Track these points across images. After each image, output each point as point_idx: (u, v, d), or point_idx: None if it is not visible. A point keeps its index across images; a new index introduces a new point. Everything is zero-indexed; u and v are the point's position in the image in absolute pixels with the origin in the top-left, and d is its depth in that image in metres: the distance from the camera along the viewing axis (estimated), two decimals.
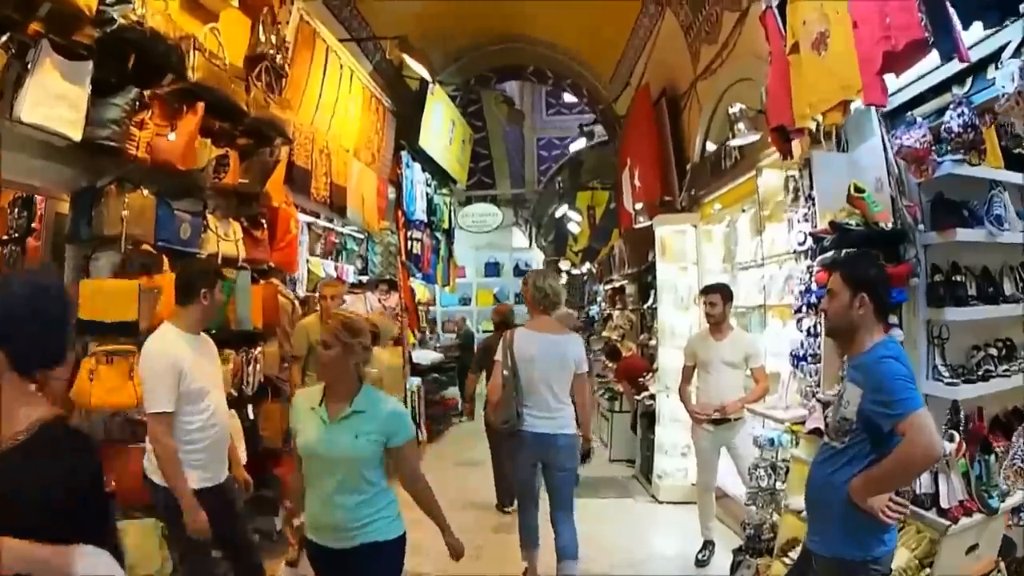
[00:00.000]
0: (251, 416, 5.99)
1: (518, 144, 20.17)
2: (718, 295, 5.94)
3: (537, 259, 21.72)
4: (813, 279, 4.92)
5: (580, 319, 20.60)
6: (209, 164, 5.20)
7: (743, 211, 7.26)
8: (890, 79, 4.01)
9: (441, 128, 11.45)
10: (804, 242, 5.14)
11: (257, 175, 5.91)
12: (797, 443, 4.98)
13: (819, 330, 4.95)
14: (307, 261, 8.09)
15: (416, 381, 10.15)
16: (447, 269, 12.78)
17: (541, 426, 4.94)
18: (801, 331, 5.22)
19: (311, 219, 8.15)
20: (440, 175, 12.31)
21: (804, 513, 3.73)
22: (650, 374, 8.98)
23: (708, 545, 6.17)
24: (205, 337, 4.19)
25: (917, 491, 3.50)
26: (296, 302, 6.69)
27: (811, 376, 5.06)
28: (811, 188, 5.08)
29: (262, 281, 6.15)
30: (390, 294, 9.34)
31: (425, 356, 11.58)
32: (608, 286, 13.15)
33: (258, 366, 5.95)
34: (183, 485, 3.71)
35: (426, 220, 10.94)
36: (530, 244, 20.54)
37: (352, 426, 3.21)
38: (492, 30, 11.67)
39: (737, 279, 7.27)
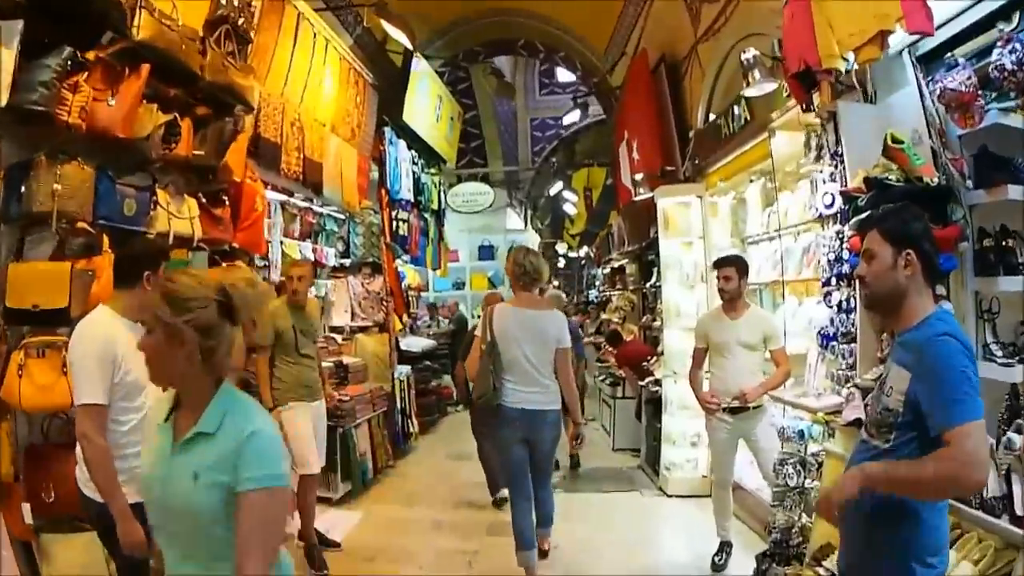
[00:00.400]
0: None
1: (511, 124, 19.57)
2: (732, 268, 5.33)
3: (533, 241, 21.09)
4: (845, 246, 4.40)
5: (578, 303, 20.16)
6: (155, 132, 4.63)
7: (751, 181, 6.79)
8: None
9: (427, 104, 10.87)
10: (832, 204, 4.62)
11: (214, 146, 5.31)
12: (832, 435, 4.42)
13: (852, 304, 4.44)
14: (281, 243, 7.55)
15: (405, 370, 9.60)
16: (437, 252, 12.21)
17: (527, 402, 4.90)
18: (830, 306, 4.70)
19: (284, 197, 7.60)
20: (428, 154, 11.75)
21: None
22: (654, 358, 8.44)
23: (725, 547, 5.61)
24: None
25: (984, 495, 2.92)
26: (265, 286, 6.10)
27: (844, 358, 4.52)
28: (837, 143, 4.58)
29: (224, 264, 5.59)
30: (374, 278, 8.79)
31: (416, 343, 11.02)
32: (607, 267, 12.59)
33: None
34: (116, 492, 3.16)
35: (413, 200, 10.36)
36: (525, 226, 19.93)
37: (193, 458, 2.00)
38: (480, 2, 11.14)
39: (747, 254, 6.72)
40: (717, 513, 5.70)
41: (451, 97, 12.53)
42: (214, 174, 5.50)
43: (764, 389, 5.23)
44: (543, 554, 5.42)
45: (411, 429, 9.46)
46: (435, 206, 12.08)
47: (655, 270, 8.45)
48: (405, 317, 11.23)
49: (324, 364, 7.28)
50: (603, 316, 12.54)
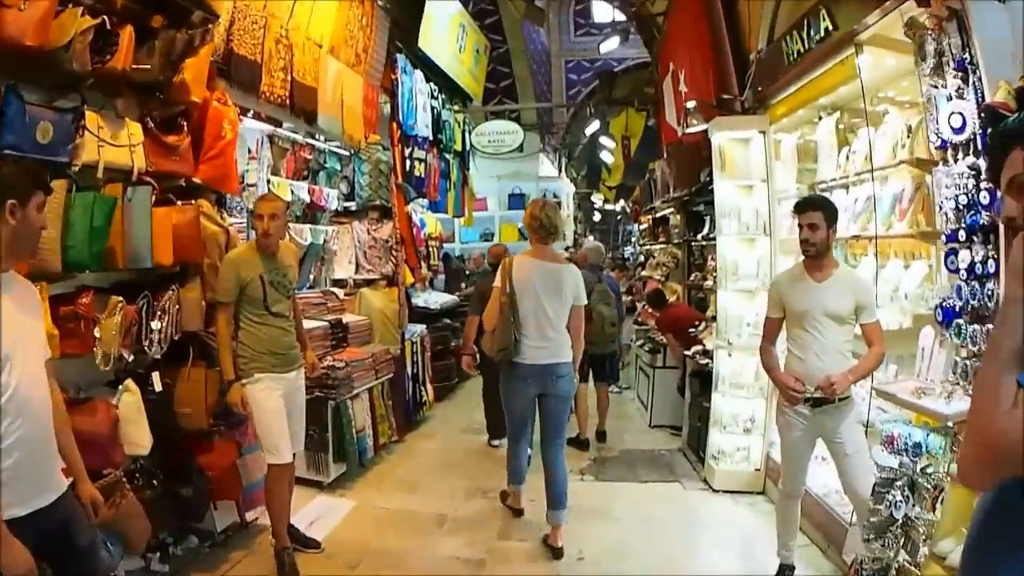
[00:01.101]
0: (158, 388, 4.45)
1: (544, 65, 18.21)
2: (819, 213, 4.06)
3: (567, 190, 19.85)
4: (983, 186, 3.23)
5: (614, 259, 18.86)
6: (77, 41, 3.58)
7: (819, 119, 5.69)
8: None
9: (447, 31, 9.68)
10: (962, 127, 3.38)
11: (163, 60, 4.23)
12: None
13: (991, 268, 3.18)
14: (268, 182, 6.41)
15: (418, 330, 8.49)
16: (460, 198, 10.99)
17: (540, 356, 4.86)
18: (953, 270, 3.51)
19: (271, 128, 6.43)
20: (451, 91, 10.56)
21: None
22: (702, 325, 7.21)
23: (786, 572, 4.50)
24: (17, 278, 2.71)
25: None
26: (233, 231, 4.97)
27: (974, 342, 3.29)
28: (965, 48, 3.45)
29: (179, 203, 4.44)
30: (382, 224, 7.62)
31: (434, 299, 9.89)
32: (647, 218, 11.28)
33: (168, 318, 4.35)
34: None
35: (432, 138, 9.13)
36: (559, 173, 18.63)
37: None
38: None
39: None
40: (780, 529, 4.56)
41: (476, 27, 11.28)
42: (163, 93, 4.44)
43: (856, 376, 4.03)
44: (557, 552, 4.96)
45: (424, 397, 8.38)
46: (458, 147, 10.85)
47: (706, 220, 7.18)
48: (424, 270, 10.11)
49: (318, 324, 6.27)
50: (642, 273, 11.29)
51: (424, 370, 8.50)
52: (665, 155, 9.35)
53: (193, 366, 4.64)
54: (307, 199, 7.07)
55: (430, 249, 10.49)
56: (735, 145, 6.37)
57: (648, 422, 8.58)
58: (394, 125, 8.06)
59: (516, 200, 16.57)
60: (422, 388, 8.36)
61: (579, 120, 18.60)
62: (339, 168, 7.87)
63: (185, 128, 4.60)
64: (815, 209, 4.06)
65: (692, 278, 8.05)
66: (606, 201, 27.96)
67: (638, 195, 25.63)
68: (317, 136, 7.34)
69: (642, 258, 16.08)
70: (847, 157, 5.16)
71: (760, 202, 6.18)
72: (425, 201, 9.58)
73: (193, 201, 4.57)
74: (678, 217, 9.12)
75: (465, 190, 11.42)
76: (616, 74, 16.19)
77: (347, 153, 7.83)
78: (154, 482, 4.37)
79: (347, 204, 7.81)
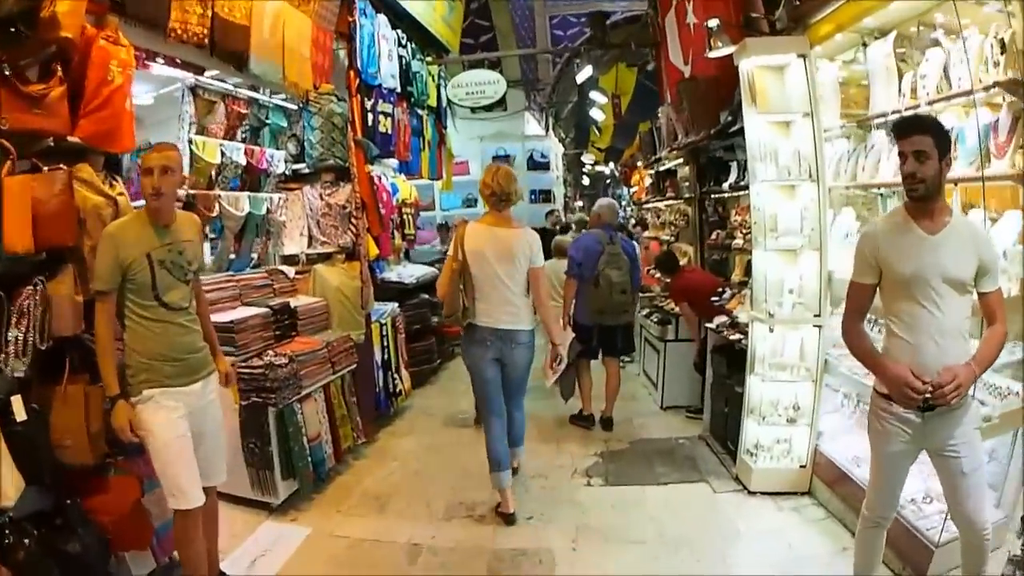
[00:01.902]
0: (20, 416, 3.22)
1: (527, 21, 16.65)
2: (928, 138, 2.79)
3: (555, 150, 18.45)
4: None
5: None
6: None
7: (865, 43, 4.57)
8: None
9: None
10: None
11: None
12: None
13: None
14: (191, 143, 5.10)
15: (388, 309, 7.21)
16: (437, 159, 9.64)
17: (498, 320, 4.77)
18: None
19: (191, 77, 5.13)
20: (424, 41, 9.21)
21: None
22: (727, 292, 5.95)
23: None
24: None
25: None
26: (124, 202, 3.66)
27: None
28: None
29: (45, 169, 3.24)
30: (337, 187, 6.29)
31: (409, 272, 8.57)
32: (644, 172, 9.92)
33: (29, 323, 3.17)
34: None
35: (399, 90, 7.78)
36: (546, 131, 17.19)
37: None
38: None
39: (871, 147, 4.46)
40: (860, 561, 3.39)
41: None
42: (28, 30, 3.20)
43: (982, 367, 2.85)
44: (514, 471, 5.20)
45: (399, 386, 7.12)
46: (433, 103, 9.47)
47: (732, 167, 5.85)
48: (398, 241, 8.80)
49: (255, 311, 4.98)
50: (644, 235, 9.96)
51: (398, 355, 7.21)
52: (669, 99, 8.01)
53: (71, 383, 3.43)
54: (242, 162, 5.74)
55: (404, 217, 9.18)
56: (768, 74, 5.04)
57: (659, 403, 7.39)
58: (351, 73, 6.71)
59: (501, 161, 15.06)
60: (396, 376, 7.11)
61: (567, 77, 17.23)
62: (285, 125, 6.54)
63: (59, 74, 3.37)
64: (923, 132, 2.80)
65: (714, 237, 6.70)
66: (596, 163, 26.57)
67: (628, 157, 24.44)
68: (262, 90, 6.03)
69: (633, 221, 14.83)
70: (912, 85, 3.98)
71: (802, 141, 4.88)
72: (395, 163, 8.25)
73: (63, 166, 3.30)
74: (688, 168, 7.80)
75: (442, 151, 10.06)
76: (607, 17, 14.78)
77: (296, 108, 6.48)
78: (27, 540, 3.20)
79: (297, 167, 6.46)
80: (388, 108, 7.37)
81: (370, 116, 6.85)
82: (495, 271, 4.73)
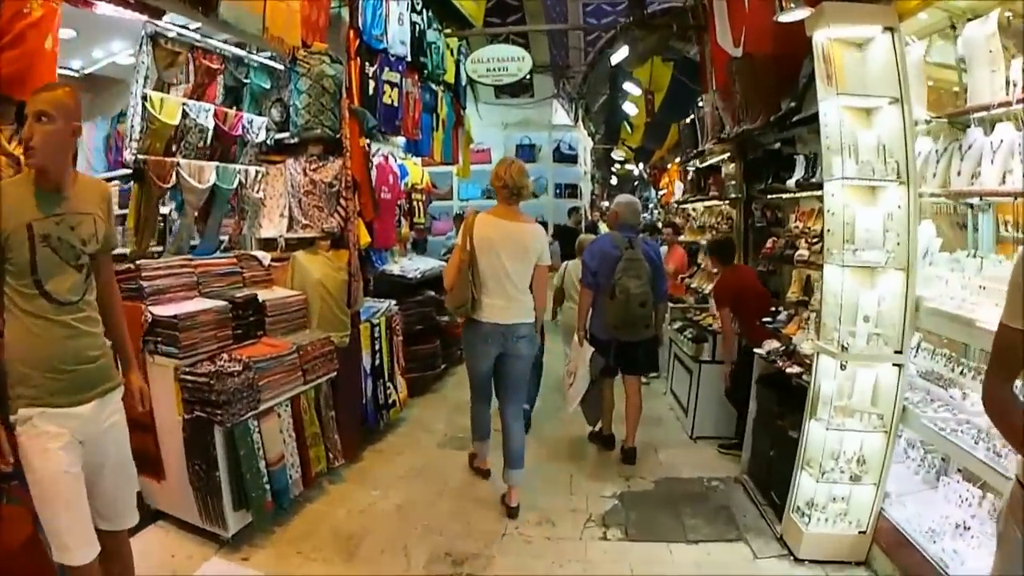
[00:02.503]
0: None
1: (560, 3, 15.66)
2: None
3: (584, 143, 17.45)
4: None
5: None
6: None
7: (954, 25, 3.83)
8: None
9: None
10: None
11: None
12: None
13: None
14: (145, 99, 4.27)
15: (383, 307, 6.31)
16: (452, 142, 8.74)
17: (500, 315, 4.72)
18: None
19: (152, 24, 4.31)
20: (444, 14, 8.38)
21: None
22: (784, 314, 5.02)
23: None
24: None
25: None
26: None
27: None
28: None
29: None
30: (325, 161, 5.36)
31: (413, 266, 7.67)
32: (690, 166, 8.92)
33: None
34: None
35: (409, 59, 6.89)
36: (575, 121, 16.19)
37: None
38: None
39: (968, 141, 3.60)
40: None
41: None
42: None
43: None
44: (512, 511, 4.79)
45: (391, 397, 6.22)
46: (450, 79, 8.57)
47: (796, 161, 4.85)
48: (405, 229, 7.92)
49: (210, 304, 4.14)
50: (678, 240, 8.97)
51: (392, 360, 6.31)
52: (715, 86, 7.04)
53: None
54: (209, 125, 4.86)
55: (414, 203, 8.31)
56: (847, 49, 4.07)
57: (689, 431, 6.46)
58: (351, 33, 5.83)
59: (525, 151, 14.28)
60: (388, 385, 6.21)
61: (599, 67, 16.22)
62: (269, 87, 5.64)
63: None
64: None
65: (769, 244, 5.64)
66: (626, 160, 25.58)
67: (658, 159, 23.46)
68: (250, 48, 5.21)
69: (661, 224, 13.88)
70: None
71: (888, 132, 3.93)
72: (403, 141, 7.37)
73: None
74: (734, 165, 6.84)
75: (459, 133, 9.18)
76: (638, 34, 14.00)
77: (280, 66, 5.60)
78: None
79: (281, 136, 5.56)
80: (395, 78, 6.51)
81: (371, 84, 5.99)
82: (502, 264, 4.68)
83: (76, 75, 5.78)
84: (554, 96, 14.63)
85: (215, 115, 4.96)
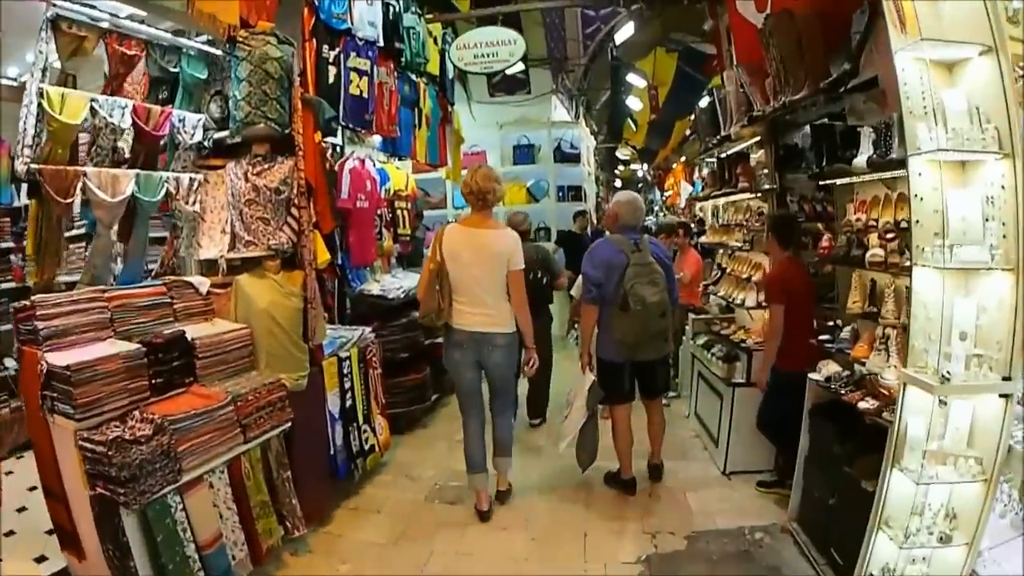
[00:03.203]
0: None
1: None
2: None
3: (587, 142, 16.55)
4: None
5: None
6: None
7: None
8: None
9: None
10: None
11: None
12: None
13: None
14: (40, 95, 3.46)
15: (355, 335, 5.45)
16: (438, 141, 7.91)
17: (474, 323, 4.75)
18: None
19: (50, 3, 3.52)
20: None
21: None
22: (846, 330, 4.13)
23: None
24: None
25: None
26: None
27: None
28: None
29: None
30: (272, 163, 4.46)
31: (396, 284, 6.83)
32: (708, 157, 7.96)
33: None
34: None
35: (381, 44, 6.07)
36: (576, 118, 15.31)
37: None
38: None
39: None
40: None
41: None
42: None
43: None
44: (501, 495, 5.09)
45: (368, 442, 5.33)
46: (434, 70, 7.75)
47: (860, 134, 3.91)
48: (387, 242, 7.10)
49: (128, 347, 3.41)
50: (700, 241, 8.01)
51: (368, 399, 5.44)
52: (735, 60, 6.15)
53: None
54: (126, 124, 4.01)
55: (398, 213, 7.51)
56: None
57: (721, 465, 5.60)
58: (306, 11, 4.99)
59: (523, 153, 13.35)
60: (364, 428, 5.33)
61: (600, 62, 15.40)
62: (205, 77, 4.79)
63: None
64: None
65: (825, 243, 4.53)
66: (631, 160, 24.77)
67: (662, 159, 22.66)
68: (190, 33, 4.39)
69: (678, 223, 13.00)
70: None
71: (982, 91, 3.06)
72: (378, 140, 6.55)
73: None
74: (763, 151, 5.90)
75: (446, 131, 8.33)
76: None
77: (222, 53, 4.75)
78: None
79: (222, 135, 4.69)
80: (363, 65, 5.71)
81: (331, 71, 5.18)
82: (471, 273, 4.70)
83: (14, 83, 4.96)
84: (552, 92, 13.72)
85: (134, 112, 4.12)
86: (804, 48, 4.18)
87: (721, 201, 7.29)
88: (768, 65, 4.73)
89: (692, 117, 16.67)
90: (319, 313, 4.60)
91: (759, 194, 5.72)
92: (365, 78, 5.72)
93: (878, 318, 3.70)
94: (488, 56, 8.03)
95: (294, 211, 4.38)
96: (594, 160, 18.94)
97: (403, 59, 6.81)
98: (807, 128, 5.26)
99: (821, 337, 4.29)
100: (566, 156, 13.39)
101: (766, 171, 5.57)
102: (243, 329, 4.19)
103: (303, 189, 4.39)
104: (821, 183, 4.92)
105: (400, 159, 7.50)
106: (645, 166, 27.31)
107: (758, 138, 5.73)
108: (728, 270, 6.57)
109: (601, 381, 5.07)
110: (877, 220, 3.77)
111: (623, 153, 22.67)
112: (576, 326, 6.92)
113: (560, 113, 14.28)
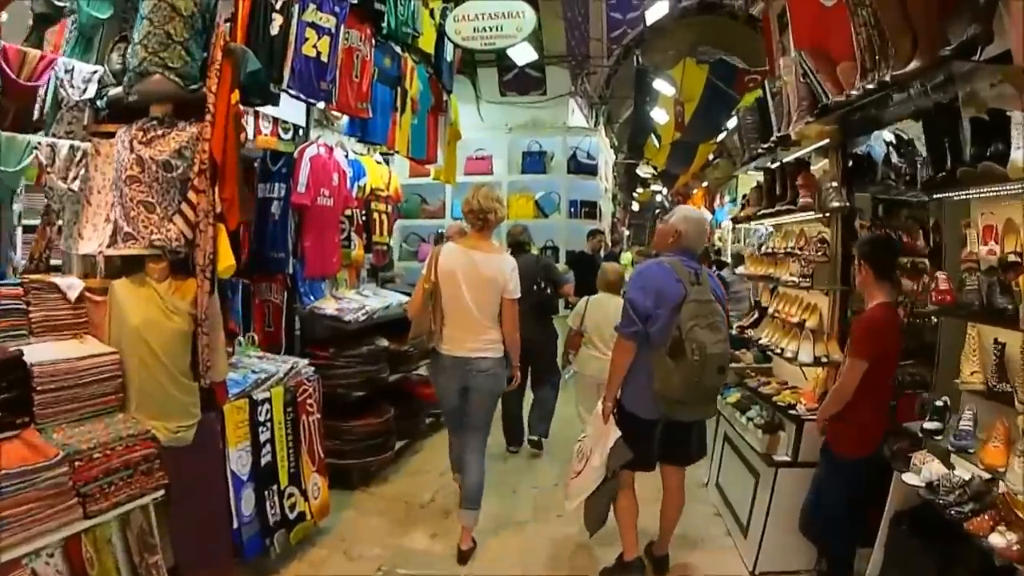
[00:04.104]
0: None
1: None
2: None
3: (606, 154, 15.64)
4: None
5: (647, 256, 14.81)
6: None
7: None
8: None
9: None
10: None
11: None
12: None
13: None
14: None
15: (282, 371, 4.41)
16: (425, 131, 6.90)
17: (462, 348, 4.68)
18: None
19: None
20: None
21: None
22: (967, 414, 3.09)
23: None
24: None
25: None
26: None
27: None
28: None
29: None
30: (168, 130, 3.42)
31: (361, 304, 5.86)
32: (749, 169, 6.79)
33: None
34: None
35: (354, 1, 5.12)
36: (595, 124, 14.41)
37: None
38: None
39: None
40: None
41: None
42: None
43: None
44: (463, 555, 4.70)
45: (296, 508, 4.29)
46: (427, 46, 6.80)
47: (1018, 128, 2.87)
48: (357, 250, 6.20)
49: None
50: (738, 272, 6.86)
51: (298, 455, 4.38)
52: (793, 45, 5.10)
53: None
54: None
55: (374, 216, 6.63)
56: None
57: (749, 563, 4.51)
58: None
59: (534, 160, 12.42)
60: (291, 491, 4.27)
61: (625, 71, 14.70)
62: (107, 15, 3.79)
63: None
64: None
65: (942, 285, 3.49)
66: (651, 181, 23.90)
67: (682, 185, 21.96)
68: None
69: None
70: None
71: None
72: (345, 123, 5.60)
73: None
74: (830, 159, 4.76)
75: (441, 122, 7.31)
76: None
77: None
78: None
79: (116, 92, 3.66)
80: (326, 21, 4.73)
81: (276, 20, 4.14)
82: (464, 296, 4.63)
83: None
84: (571, 94, 12.77)
85: (3, 55, 3.12)
86: (909, 7, 3.14)
87: (767, 223, 6.13)
88: (855, 35, 3.69)
89: (716, 141, 16.23)
90: (217, 340, 3.50)
91: (825, 214, 4.62)
92: (327, 38, 4.72)
93: (1015, 402, 2.64)
94: (491, 30, 6.94)
95: (191, 196, 3.33)
96: (612, 176, 18.03)
97: (385, 25, 5.82)
98: (885, 134, 4.25)
99: (926, 426, 3.20)
100: (582, 167, 12.37)
101: (834, 184, 4.49)
102: (110, 355, 3.17)
103: (205, 167, 3.34)
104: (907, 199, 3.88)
105: (386, 155, 6.56)
106: (665, 190, 26.65)
107: (827, 140, 4.63)
108: (771, 310, 5.50)
109: (624, 438, 4.04)
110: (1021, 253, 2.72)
111: (644, 171, 21.73)
112: (572, 358, 6.33)
113: (577, 118, 13.42)
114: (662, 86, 13.76)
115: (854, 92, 3.64)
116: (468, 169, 11.96)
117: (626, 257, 14.19)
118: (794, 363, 4.52)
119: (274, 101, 4.29)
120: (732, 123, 16.98)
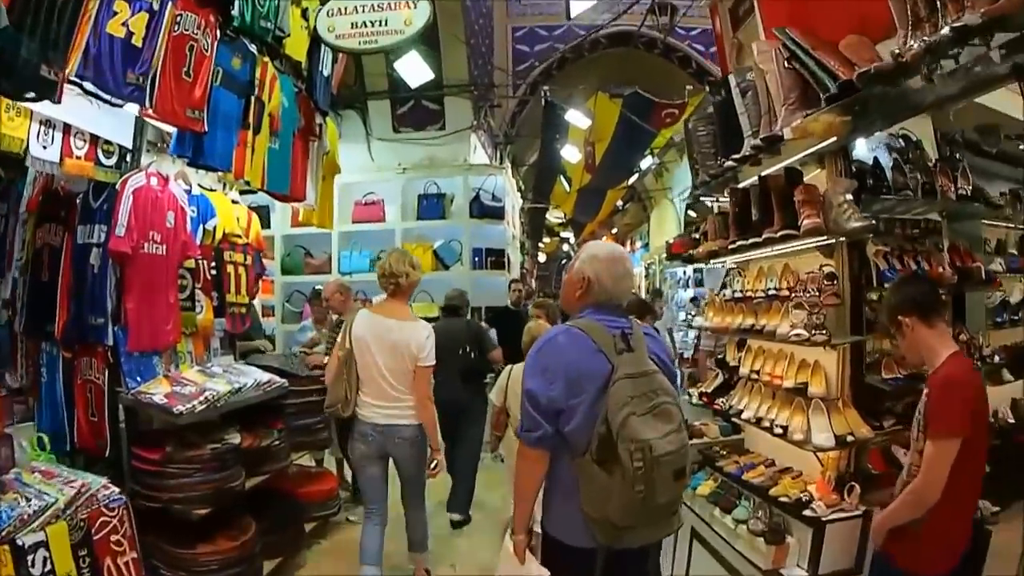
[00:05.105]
0: None
1: (485, 18, 13.24)
2: None
3: (513, 197, 14.78)
4: None
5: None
6: None
7: None
8: None
9: None
10: None
11: None
12: None
13: None
14: None
15: (69, 494, 3.16)
16: (289, 158, 5.70)
17: (377, 416, 4.85)
18: None
19: None
20: None
21: None
22: None
23: None
24: None
25: None
26: None
27: None
28: None
29: None
30: None
31: (200, 385, 4.61)
32: (709, 191, 5.66)
33: None
34: None
35: None
36: (500, 162, 13.64)
37: None
38: None
39: None
40: None
41: None
42: None
43: None
44: None
45: None
46: (298, 53, 5.74)
47: None
48: (204, 314, 5.27)
49: None
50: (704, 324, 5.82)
51: None
52: (763, 34, 4.18)
53: None
54: None
55: (228, 269, 5.53)
56: None
57: None
58: None
59: (431, 204, 11.35)
60: None
61: (532, 115, 14.76)
62: None
63: None
64: None
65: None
66: (556, 229, 23.53)
67: (588, 234, 21.94)
68: None
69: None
70: None
71: None
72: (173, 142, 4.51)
73: None
74: (829, 168, 3.73)
75: (312, 149, 6.16)
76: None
77: None
78: None
79: None
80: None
81: None
82: (376, 363, 4.76)
83: None
84: (472, 128, 11.82)
85: None
86: None
87: (746, 257, 4.91)
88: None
89: (626, 185, 15.91)
90: None
91: (829, 240, 3.60)
92: (145, 15, 3.58)
93: None
94: (372, 24, 5.61)
95: None
96: (520, 223, 17.21)
97: (236, 15, 4.69)
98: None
99: None
100: (486, 210, 11.28)
101: (848, 197, 3.47)
102: None
103: None
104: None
105: (247, 192, 5.41)
106: (572, 238, 26.87)
107: (834, 137, 3.60)
108: (746, 371, 4.45)
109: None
110: None
111: (555, 215, 21.12)
112: (501, 443, 5.62)
113: (480, 156, 12.48)
114: (575, 117, 13.06)
115: (901, 54, 2.63)
116: (356, 216, 11.06)
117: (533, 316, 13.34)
118: (807, 447, 3.42)
119: (47, 95, 3.09)
120: (646, 163, 16.85)
